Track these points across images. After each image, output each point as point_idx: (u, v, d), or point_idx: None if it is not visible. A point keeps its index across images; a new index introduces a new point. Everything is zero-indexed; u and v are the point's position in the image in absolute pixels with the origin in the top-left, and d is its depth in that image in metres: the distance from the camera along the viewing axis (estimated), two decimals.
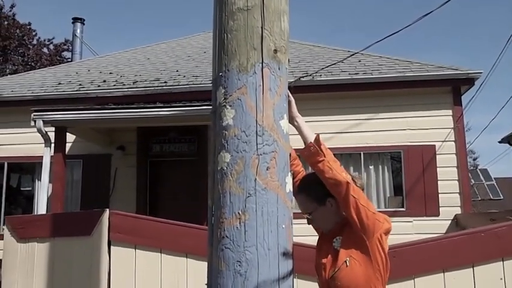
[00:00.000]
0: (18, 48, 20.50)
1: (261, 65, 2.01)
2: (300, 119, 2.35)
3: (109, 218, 4.26)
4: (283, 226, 1.95)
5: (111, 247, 4.22)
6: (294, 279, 2.08)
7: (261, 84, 2.00)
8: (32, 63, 19.20)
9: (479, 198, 23.41)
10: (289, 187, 2.03)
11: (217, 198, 1.99)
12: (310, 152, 2.13)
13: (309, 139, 2.24)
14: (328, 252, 2.29)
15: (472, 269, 3.77)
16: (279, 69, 2.06)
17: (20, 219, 4.87)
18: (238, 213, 1.91)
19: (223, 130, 2.00)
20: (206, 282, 2.05)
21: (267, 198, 1.92)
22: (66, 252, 4.43)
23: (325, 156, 2.11)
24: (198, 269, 4.04)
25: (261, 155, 1.94)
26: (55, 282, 4.40)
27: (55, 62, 19.28)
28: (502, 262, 3.76)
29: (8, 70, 18.33)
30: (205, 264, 3.76)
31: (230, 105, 1.99)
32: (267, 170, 1.94)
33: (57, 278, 4.41)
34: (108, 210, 4.31)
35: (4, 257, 4.67)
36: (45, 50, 21.53)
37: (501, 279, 3.75)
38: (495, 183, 26.45)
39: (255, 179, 1.92)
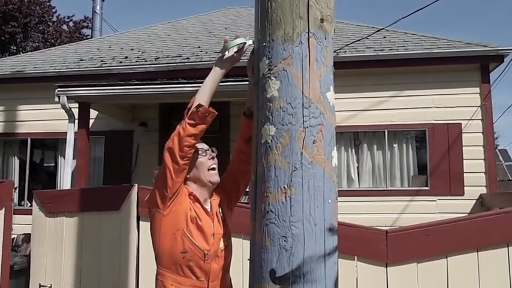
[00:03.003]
0: (38, 25, 20.54)
1: (307, 34, 1.93)
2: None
3: (138, 193, 4.24)
4: (330, 201, 1.90)
5: (140, 222, 4.20)
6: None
7: (307, 54, 1.92)
8: (52, 40, 19.25)
9: (498, 179, 23.13)
10: (335, 161, 1.97)
11: (261, 172, 1.94)
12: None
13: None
14: (213, 219, 2.36)
15: (506, 248, 3.70)
16: (325, 39, 1.98)
17: (49, 194, 4.88)
18: (284, 187, 1.85)
19: (267, 102, 1.94)
20: (249, 257, 2.01)
21: (314, 173, 1.86)
22: (94, 226, 4.43)
23: None
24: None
25: (307, 127, 1.87)
26: (84, 256, 4.42)
27: (75, 39, 19.28)
28: None
29: (28, 47, 18.39)
30: (238, 240, 3.75)
31: (275, 77, 1.93)
32: (313, 143, 1.88)
33: (86, 252, 4.43)
34: (136, 185, 4.30)
35: (33, 231, 4.70)
36: (64, 27, 21.53)
37: None
38: None
39: (302, 152, 1.86)
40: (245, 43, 2.37)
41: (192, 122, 2.24)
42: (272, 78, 1.94)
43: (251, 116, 2.26)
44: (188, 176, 2.37)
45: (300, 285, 1.79)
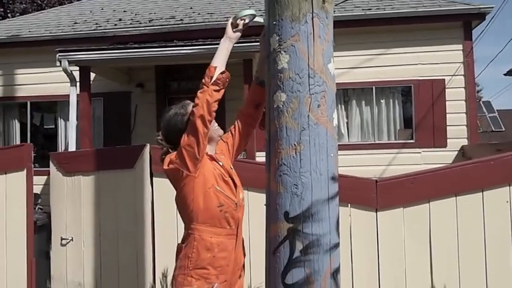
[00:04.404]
0: None
1: (311, 14, 2.28)
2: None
3: (150, 152, 4.62)
4: (332, 155, 2.29)
5: (154, 178, 4.59)
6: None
7: (312, 32, 2.28)
8: (39, 1, 19.06)
9: (481, 130, 23.68)
10: (335, 122, 2.36)
11: (273, 132, 2.32)
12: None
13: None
14: (228, 172, 2.66)
15: (481, 193, 4.14)
16: (326, 18, 2.35)
17: (65, 155, 5.26)
18: (294, 144, 2.23)
19: (278, 73, 2.29)
20: (265, 203, 2.41)
21: (318, 132, 2.24)
22: (110, 184, 4.82)
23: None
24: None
25: (312, 94, 2.24)
26: (102, 211, 4.83)
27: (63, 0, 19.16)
28: (508, 187, 4.12)
29: (16, 9, 18.23)
30: (245, 193, 4.17)
31: (285, 51, 2.28)
32: (318, 107, 2.25)
33: (104, 207, 4.83)
34: (148, 145, 4.67)
35: (52, 189, 5.09)
36: None
37: (507, 202, 4.13)
38: (497, 116, 26.62)
39: (308, 115, 2.23)
40: (254, 15, 2.71)
41: (217, 87, 2.44)
42: (282, 52, 2.29)
43: (261, 84, 2.61)
44: None
45: (309, 224, 2.20)
